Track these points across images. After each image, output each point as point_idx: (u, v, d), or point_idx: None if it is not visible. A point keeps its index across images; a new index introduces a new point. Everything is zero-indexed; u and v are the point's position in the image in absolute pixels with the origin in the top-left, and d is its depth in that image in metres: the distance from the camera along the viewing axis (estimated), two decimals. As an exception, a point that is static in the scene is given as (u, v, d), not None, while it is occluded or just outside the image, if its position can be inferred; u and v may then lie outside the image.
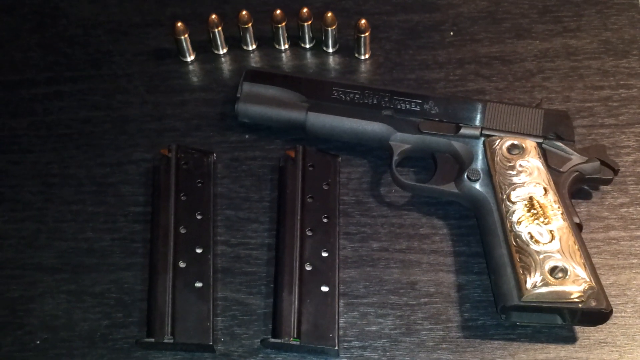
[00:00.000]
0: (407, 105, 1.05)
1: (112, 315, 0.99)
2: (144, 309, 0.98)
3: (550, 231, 0.93)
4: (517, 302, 0.91)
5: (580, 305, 0.90)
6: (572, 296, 0.90)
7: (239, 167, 1.08)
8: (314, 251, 0.99)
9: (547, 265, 0.91)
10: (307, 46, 1.18)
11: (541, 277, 0.90)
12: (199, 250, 1.00)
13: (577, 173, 1.00)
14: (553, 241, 0.92)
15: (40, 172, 1.08)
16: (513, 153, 0.99)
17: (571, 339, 0.95)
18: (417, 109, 1.05)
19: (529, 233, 0.93)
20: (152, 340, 0.94)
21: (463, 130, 1.02)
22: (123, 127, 1.12)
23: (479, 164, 1.00)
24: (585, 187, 1.04)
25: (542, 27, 1.18)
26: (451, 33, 1.18)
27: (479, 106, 1.04)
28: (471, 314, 0.97)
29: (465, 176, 1.00)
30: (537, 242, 0.92)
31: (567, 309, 0.91)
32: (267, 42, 1.18)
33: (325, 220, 1.01)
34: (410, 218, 1.04)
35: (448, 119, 1.04)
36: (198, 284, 0.98)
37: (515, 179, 0.97)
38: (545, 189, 0.96)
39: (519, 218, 0.94)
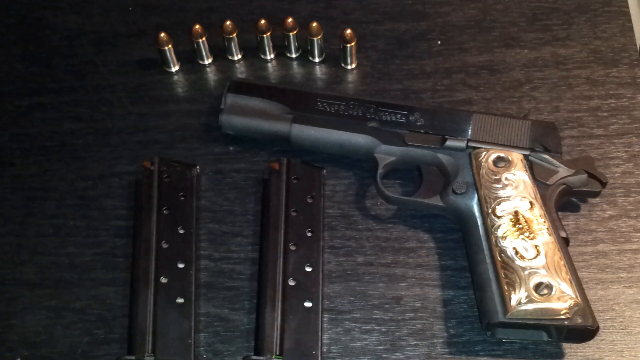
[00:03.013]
0: (393, 117, 1.04)
1: (93, 332, 0.97)
2: (125, 325, 0.96)
3: (536, 246, 0.91)
4: (502, 319, 0.89)
5: (566, 322, 0.88)
6: (558, 313, 0.88)
7: (223, 179, 1.07)
8: (297, 266, 0.98)
9: (532, 282, 0.89)
10: (293, 56, 1.16)
11: (526, 293, 0.89)
12: (181, 265, 0.98)
13: (564, 186, 0.98)
14: (538, 257, 0.91)
15: (22, 186, 1.07)
16: (499, 166, 0.98)
17: (558, 355, 0.94)
18: (403, 120, 1.03)
19: (514, 248, 0.92)
20: (133, 358, 0.93)
21: (449, 143, 1.01)
22: (106, 139, 1.10)
23: (464, 177, 0.99)
24: (573, 200, 1.02)
25: (531, 36, 1.17)
26: (439, 42, 1.17)
27: (465, 117, 1.02)
28: (457, 329, 0.96)
29: (451, 189, 0.98)
30: (522, 257, 0.91)
31: (553, 326, 0.89)
32: (252, 51, 1.17)
33: (309, 234, 1.00)
34: (396, 231, 1.02)
35: (434, 130, 1.02)
36: (180, 300, 0.96)
37: (500, 193, 0.96)
38: (531, 202, 0.95)
39: (504, 233, 0.93)
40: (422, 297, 0.98)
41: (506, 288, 0.90)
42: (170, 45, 1.13)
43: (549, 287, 0.89)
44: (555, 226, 0.94)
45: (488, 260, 0.93)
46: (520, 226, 0.93)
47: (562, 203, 0.99)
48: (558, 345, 0.94)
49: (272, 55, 1.16)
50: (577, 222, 1.02)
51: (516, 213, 0.94)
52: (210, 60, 1.16)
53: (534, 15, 1.19)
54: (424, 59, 1.15)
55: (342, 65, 1.15)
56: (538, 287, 0.89)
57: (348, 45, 1.12)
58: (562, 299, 0.88)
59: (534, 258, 0.91)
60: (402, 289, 0.99)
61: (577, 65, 1.14)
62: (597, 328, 0.89)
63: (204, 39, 1.13)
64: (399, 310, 0.97)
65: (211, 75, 1.16)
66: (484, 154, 0.99)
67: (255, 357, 0.93)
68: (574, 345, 0.94)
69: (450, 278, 0.99)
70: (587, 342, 0.92)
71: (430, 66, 1.15)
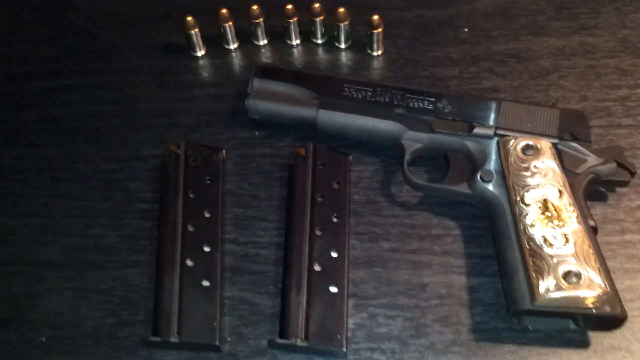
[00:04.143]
0: (420, 104, 1.03)
1: (118, 313, 0.97)
2: (150, 307, 0.96)
3: (565, 234, 0.91)
4: (530, 307, 0.89)
5: (594, 311, 0.88)
6: (586, 302, 0.88)
7: (249, 164, 1.06)
8: (323, 251, 0.97)
9: (561, 270, 0.89)
10: (319, 42, 1.16)
11: (554, 281, 0.88)
12: (206, 249, 0.98)
13: (593, 175, 0.97)
14: (567, 245, 0.90)
15: (46, 167, 1.07)
16: (528, 154, 0.97)
17: (584, 343, 0.93)
18: (430, 107, 1.03)
19: (543, 236, 0.91)
20: (158, 339, 0.93)
21: (477, 130, 1.00)
22: (131, 122, 1.10)
23: (492, 164, 0.98)
24: (601, 189, 1.02)
25: (559, 24, 1.16)
26: (465, 29, 1.16)
27: (493, 105, 1.02)
28: (482, 317, 0.96)
29: (478, 177, 0.98)
30: (550, 245, 0.90)
31: (581, 315, 0.89)
32: (278, 37, 1.16)
33: (335, 219, 0.99)
34: (422, 218, 1.02)
35: (461, 117, 1.02)
36: (205, 283, 0.96)
37: (529, 181, 0.95)
38: (560, 191, 0.94)
39: (533, 221, 0.92)
40: (447, 284, 0.98)
41: (534, 276, 0.89)
42: (196, 30, 1.13)
43: (578, 275, 0.88)
44: (584, 215, 0.93)
45: (516, 247, 0.92)
46: (550, 214, 0.92)
47: (590, 192, 0.99)
48: (584, 333, 0.93)
49: (298, 41, 1.16)
50: (605, 211, 1.01)
51: (545, 201, 0.93)
52: (236, 45, 1.16)
53: (561, 3, 1.18)
54: (450, 46, 1.15)
55: (368, 51, 1.15)
56: (567, 275, 0.89)
57: (375, 31, 1.11)
58: (590, 288, 0.88)
59: (563, 246, 0.90)
60: (427, 276, 0.98)
61: (605, 55, 1.13)
62: (626, 317, 0.89)
63: (230, 23, 1.13)
64: (424, 297, 0.97)
65: (237, 60, 1.16)
66: (512, 141, 0.99)
67: (280, 341, 0.93)
68: (600, 334, 0.93)
69: (476, 265, 0.98)
70: (614, 331, 0.92)
71: (457, 53, 1.14)
